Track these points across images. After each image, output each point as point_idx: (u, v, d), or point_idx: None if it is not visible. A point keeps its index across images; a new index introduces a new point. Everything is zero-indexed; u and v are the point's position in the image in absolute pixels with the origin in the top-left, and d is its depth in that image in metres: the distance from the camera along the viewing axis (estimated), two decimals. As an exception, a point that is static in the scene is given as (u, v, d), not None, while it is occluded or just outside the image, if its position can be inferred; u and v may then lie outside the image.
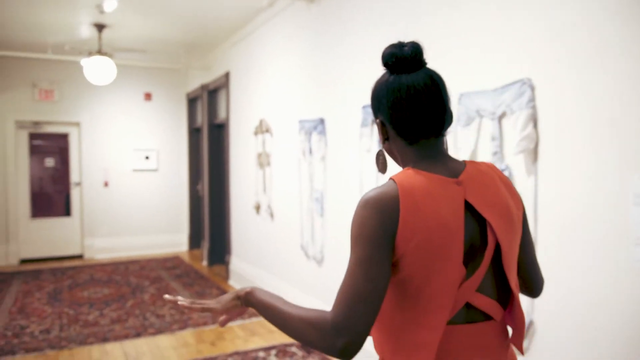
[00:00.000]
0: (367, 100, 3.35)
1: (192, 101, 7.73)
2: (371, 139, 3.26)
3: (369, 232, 1.00)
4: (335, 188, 3.72)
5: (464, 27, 2.49)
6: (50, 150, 7.38)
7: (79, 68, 6.61)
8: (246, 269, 5.42)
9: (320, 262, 3.92)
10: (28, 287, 5.66)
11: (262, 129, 4.89)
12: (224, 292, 5.46)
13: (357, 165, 3.42)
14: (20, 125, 7.06)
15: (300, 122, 4.13)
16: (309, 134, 4.02)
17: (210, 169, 6.71)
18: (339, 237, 3.67)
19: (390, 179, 1.06)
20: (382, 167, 1.18)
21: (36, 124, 7.15)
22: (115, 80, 7.19)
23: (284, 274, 4.53)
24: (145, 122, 7.70)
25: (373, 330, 1.11)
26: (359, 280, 0.99)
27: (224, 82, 5.99)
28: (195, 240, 7.85)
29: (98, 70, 5.37)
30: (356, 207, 1.05)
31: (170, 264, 6.88)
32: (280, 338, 3.87)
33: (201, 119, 7.12)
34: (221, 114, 6.55)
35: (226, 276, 5.98)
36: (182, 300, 1.25)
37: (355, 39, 3.41)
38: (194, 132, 7.78)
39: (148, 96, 7.68)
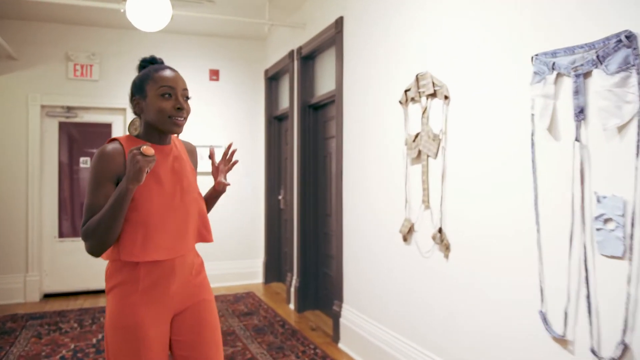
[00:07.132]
0: None
1: (271, 80, 5.76)
2: None
3: None
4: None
5: None
6: (87, 147, 5.56)
7: (123, 36, 4.80)
8: (372, 331, 3.30)
9: (608, 361, 1.72)
10: (39, 345, 3.75)
11: (419, 92, 2.79)
12: (338, 367, 3.38)
13: None
14: (48, 112, 5.29)
15: (541, 57, 1.98)
16: (572, 78, 1.86)
17: (302, 171, 4.67)
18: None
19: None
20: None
21: (69, 109, 5.37)
22: (174, 54, 5.44)
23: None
24: (210, 109, 5.78)
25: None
26: None
27: (332, 35, 3.95)
28: (273, 270, 5.83)
29: (146, 8, 3.42)
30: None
31: (242, 307, 4.85)
32: None
33: (288, 100, 5.10)
34: (321, 89, 4.51)
35: (334, 334, 3.88)
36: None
37: None
38: (274, 122, 5.80)
39: (215, 74, 5.76)
